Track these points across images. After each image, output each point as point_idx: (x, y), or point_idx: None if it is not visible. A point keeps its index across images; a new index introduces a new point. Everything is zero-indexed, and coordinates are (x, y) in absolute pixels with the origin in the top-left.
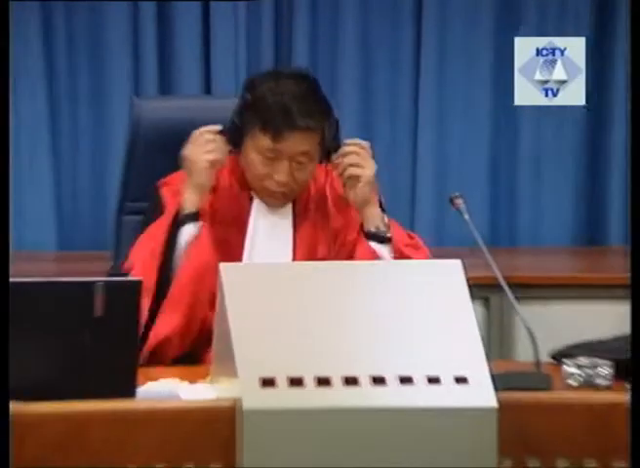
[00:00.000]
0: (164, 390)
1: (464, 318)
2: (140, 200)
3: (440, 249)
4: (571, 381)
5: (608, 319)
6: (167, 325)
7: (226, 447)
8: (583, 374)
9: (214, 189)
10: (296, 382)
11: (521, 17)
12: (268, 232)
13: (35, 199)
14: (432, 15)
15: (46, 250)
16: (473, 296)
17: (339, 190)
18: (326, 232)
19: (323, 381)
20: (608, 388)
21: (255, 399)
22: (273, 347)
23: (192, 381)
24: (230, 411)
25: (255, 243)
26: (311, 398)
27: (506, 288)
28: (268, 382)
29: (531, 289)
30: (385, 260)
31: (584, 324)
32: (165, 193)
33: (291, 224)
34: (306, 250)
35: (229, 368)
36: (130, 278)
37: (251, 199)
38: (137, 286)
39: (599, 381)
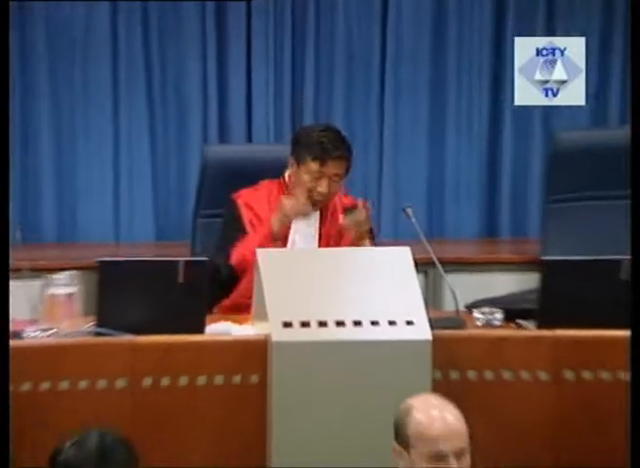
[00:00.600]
0: (222, 329)
1: (411, 284)
2: (208, 208)
3: (396, 240)
4: (477, 323)
5: (501, 284)
6: None
7: (261, 364)
8: (485, 318)
9: (273, 199)
10: (305, 324)
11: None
12: (304, 229)
13: (138, 205)
14: (391, 70)
15: (148, 240)
16: (417, 270)
17: (343, 203)
18: (335, 230)
19: (322, 324)
20: (500, 327)
21: (279, 335)
22: (291, 301)
23: (240, 324)
24: (264, 343)
25: (295, 236)
26: (315, 334)
27: (438, 264)
28: (288, 324)
29: (453, 265)
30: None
31: (486, 287)
32: (240, 204)
33: (317, 225)
34: (325, 242)
35: (263, 315)
36: (200, 258)
37: None
38: (204, 263)
39: (494, 322)
